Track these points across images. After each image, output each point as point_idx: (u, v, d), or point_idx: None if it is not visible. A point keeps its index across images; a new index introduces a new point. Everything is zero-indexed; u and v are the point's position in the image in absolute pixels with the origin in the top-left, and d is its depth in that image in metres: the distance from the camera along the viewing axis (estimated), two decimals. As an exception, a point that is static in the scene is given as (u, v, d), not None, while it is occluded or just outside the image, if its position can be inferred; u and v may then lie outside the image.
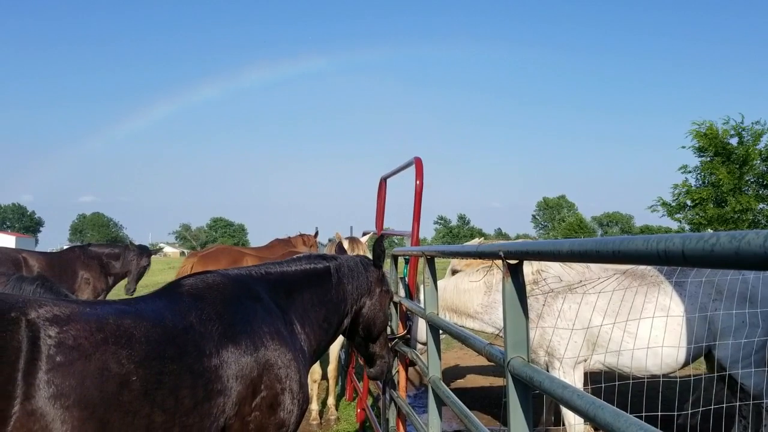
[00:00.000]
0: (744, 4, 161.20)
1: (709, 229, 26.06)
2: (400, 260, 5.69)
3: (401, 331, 5.21)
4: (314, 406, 7.18)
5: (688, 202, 29.61)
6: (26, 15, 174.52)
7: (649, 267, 5.21)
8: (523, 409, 2.19)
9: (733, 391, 5.15)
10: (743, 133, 28.11)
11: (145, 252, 11.08)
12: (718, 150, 28.33)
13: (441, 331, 3.86)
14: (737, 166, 28.06)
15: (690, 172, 29.89)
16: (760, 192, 28.71)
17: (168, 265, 41.64)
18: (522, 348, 2.22)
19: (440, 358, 3.96)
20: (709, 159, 29.01)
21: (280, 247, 10.39)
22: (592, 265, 5.31)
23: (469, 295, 5.58)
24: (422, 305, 4.20)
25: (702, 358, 5.47)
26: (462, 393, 7.89)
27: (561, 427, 5.66)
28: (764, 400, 4.82)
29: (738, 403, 5.13)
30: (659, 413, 3.86)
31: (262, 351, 2.91)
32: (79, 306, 2.48)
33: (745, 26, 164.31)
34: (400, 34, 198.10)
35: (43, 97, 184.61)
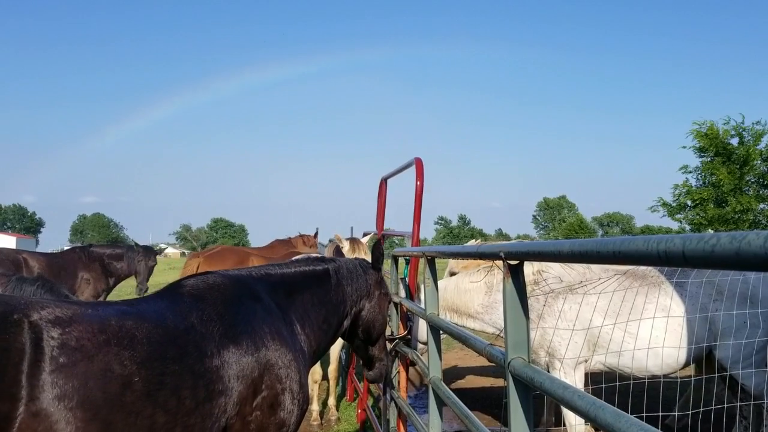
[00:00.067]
0: (744, 4, 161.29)
1: (709, 230, 26.03)
2: (401, 261, 5.70)
3: (402, 332, 5.21)
4: (315, 407, 7.18)
5: (689, 203, 29.55)
6: (26, 15, 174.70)
7: (649, 267, 5.21)
8: (524, 409, 2.19)
9: (734, 391, 5.15)
10: (744, 133, 28.06)
11: (152, 252, 11.29)
12: (719, 150, 28.29)
13: (441, 332, 3.87)
14: (738, 166, 28.02)
15: (690, 172, 29.85)
16: (761, 192, 28.65)
17: (169, 266, 41.64)
18: (523, 348, 2.22)
19: (441, 359, 3.96)
20: (709, 159, 28.96)
21: (281, 248, 10.42)
22: (593, 266, 5.31)
23: (470, 295, 5.58)
24: (423, 306, 4.20)
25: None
26: (462, 393, 7.89)
27: (562, 428, 5.66)
28: (765, 401, 4.82)
29: (739, 404, 5.13)
30: (660, 414, 3.87)
31: (262, 351, 2.92)
32: (81, 307, 2.49)
33: (745, 26, 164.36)
34: (400, 34, 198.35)
35: (44, 97, 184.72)
